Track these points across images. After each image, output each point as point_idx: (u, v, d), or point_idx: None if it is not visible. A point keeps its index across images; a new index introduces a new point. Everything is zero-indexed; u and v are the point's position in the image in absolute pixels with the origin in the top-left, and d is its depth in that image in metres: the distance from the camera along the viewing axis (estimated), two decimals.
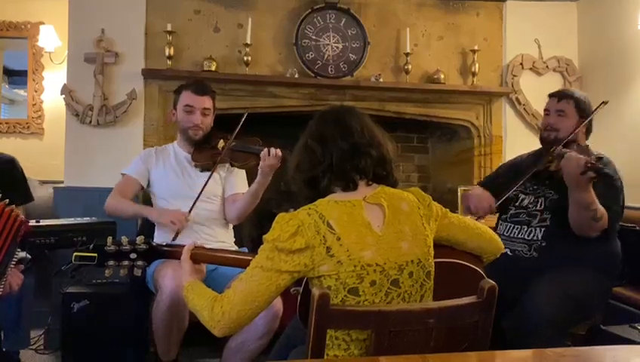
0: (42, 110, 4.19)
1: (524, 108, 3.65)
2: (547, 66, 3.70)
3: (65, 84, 3.17)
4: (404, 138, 4.10)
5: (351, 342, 1.29)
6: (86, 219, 2.63)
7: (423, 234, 1.36)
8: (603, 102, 2.24)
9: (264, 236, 1.31)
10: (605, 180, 2.09)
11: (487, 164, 3.62)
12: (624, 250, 2.26)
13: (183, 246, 1.60)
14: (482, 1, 3.64)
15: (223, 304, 1.30)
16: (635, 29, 3.26)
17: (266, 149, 2.23)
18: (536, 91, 3.67)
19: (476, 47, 3.52)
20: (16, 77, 4.32)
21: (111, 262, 1.64)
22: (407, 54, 3.43)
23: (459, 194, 3.28)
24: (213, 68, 3.21)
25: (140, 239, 1.67)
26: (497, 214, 2.40)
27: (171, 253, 1.70)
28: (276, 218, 1.31)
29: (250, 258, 1.37)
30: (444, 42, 3.60)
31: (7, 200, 1.86)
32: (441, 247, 1.47)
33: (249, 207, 2.38)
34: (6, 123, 4.18)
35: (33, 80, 4.18)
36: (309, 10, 3.36)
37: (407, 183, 4.02)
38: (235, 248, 2.41)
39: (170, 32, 3.15)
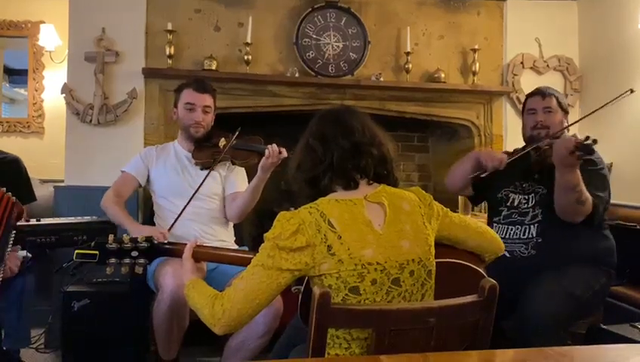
0: (43, 109, 4.19)
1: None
2: (548, 65, 3.70)
3: (65, 83, 3.17)
4: (404, 137, 4.10)
5: (352, 340, 1.29)
6: (86, 218, 2.63)
7: (424, 233, 1.36)
8: (630, 90, 2.24)
9: (265, 234, 1.31)
10: (591, 167, 2.13)
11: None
12: (625, 249, 2.27)
13: (185, 244, 1.61)
14: (483, 0, 3.63)
15: (223, 302, 1.30)
16: (636, 28, 3.26)
17: (274, 146, 2.23)
18: None
19: (477, 46, 3.52)
20: (17, 76, 4.32)
21: (112, 260, 1.64)
22: (407, 53, 3.43)
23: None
24: (213, 67, 3.21)
25: (141, 237, 1.67)
26: (489, 215, 2.41)
27: (173, 251, 1.70)
28: (277, 216, 1.31)
29: (250, 256, 1.38)
30: (445, 41, 3.60)
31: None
32: (443, 247, 1.47)
33: (250, 205, 2.38)
34: (6, 122, 4.18)
35: (33, 79, 4.19)
36: (310, 9, 3.36)
37: (408, 182, 4.02)
38: (236, 247, 2.41)
39: (170, 31, 3.15)
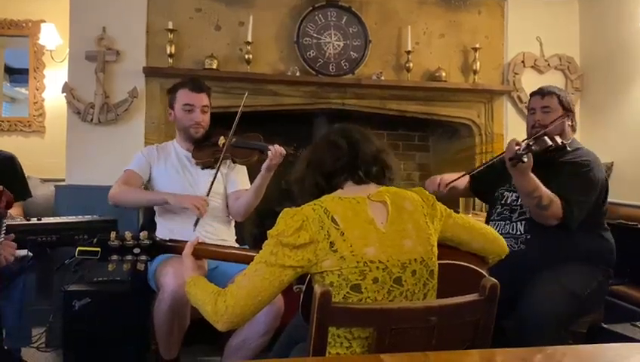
0: (43, 108, 4.19)
1: (526, 107, 3.63)
2: (549, 64, 3.70)
3: (66, 82, 3.16)
4: (405, 136, 4.09)
5: (353, 339, 1.29)
6: (87, 217, 2.63)
7: (427, 233, 1.36)
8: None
9: (268, 231, 1.32)
10: (571, 168, 2.13)
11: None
12: (625, 248, 2.26)
13: (186, 242, 1.61)
14: None
15: (226, 298, 1.30)
16: (637, 27, 3.26)
17: (276, 146, 2.23)
18: None
19: (478, 45, 3.52)
20: (18, 75, 4.33)
21: (114, 257, 1.64)
22: (408, 52, 3.42)
23: None
24: (214, 66, 3.21)
25: (143, 234, 1.67)
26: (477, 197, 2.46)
27: (174, 248, 1.70)
28: (281, 213, 1.32)
29: (252, 254, 1.38)
30: (446, 40, 3.59)
31: None
32: (447, 248, 1.47)
33: (254, 203, 2.38)
34: (7, 121, 4.18)
35: (34, 78, 4.19)
36: (310, 8, 3.36)
37: (409, 181, 4.01)
38: (237, 246, 2.41)
39: (171, 30, 3.15)
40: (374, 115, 3.60)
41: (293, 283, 1.37)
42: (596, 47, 3.64)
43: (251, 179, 2.44)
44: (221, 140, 2.40)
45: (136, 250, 1.65)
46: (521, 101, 3.64)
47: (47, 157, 3.86)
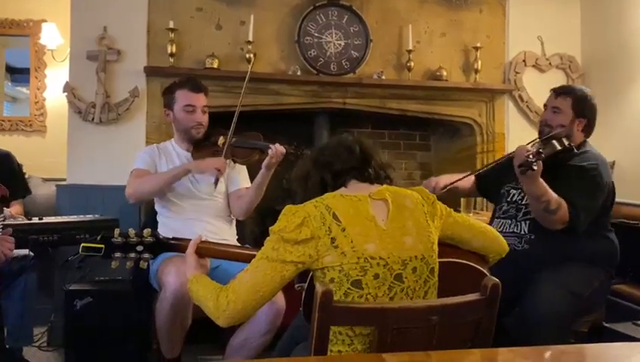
0: (45, 108, 4.20)
1: (527, 106, 3.64)
2: (550, 63, 3.69)
3: (67, 82, 3.17)
4: (406, 135, 4.09)
5: (354, 337, 1.30)
6: (89, 217, 2.63)
7: (427, 231, 1.37)
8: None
9: (270, 227, 1.33)
10: (578, 172, 2.11)
11: (489, 161, 3.61)
12: (627, 247, 2.26)
13: (189, 240, 1.61)
14: None
15: (228, 294, 1.31)
16: (639, 26, 3.25)
17: (277, 145, 2.23)
18: (539, 88, 3.65)
19: (479, 44, 3.51)
20: (19, 74, 4.34)
21: (117, 254, 1.64)
22: (409, 51, 3.42)
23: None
24: (215, 65, 3.21)
25: (146, 232, 1.67)
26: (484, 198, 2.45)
27: (177, 246, 1.70)
28: (283, 210, 1.33)
29: (254, 253, 1.38)
30: (447, 39, 3.59)
31: None
32: (447, 247, 1.48)
33: (255, 201, 2.38)
34: (8, 120, 4.19)
35: (35, 77, 4.19)
36: (311, 8, 3.36)
37: (410, 181, 4.01)
38: (239, 245, 2.42)
39: (172, 30, 3.14)
40: (375, 114, 3.60)
41: (294, 281, 1.38)
42: (598, 46, 3.64)
43: (251, 177, 2.44)
44: (220, 140, 2.40)
45: (140, 248, 1.65)
46: (522, 100, 3.64)
47: (48, 157, 3.86)
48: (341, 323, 1.24)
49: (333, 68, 3.36)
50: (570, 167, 2.14)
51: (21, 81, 4.32)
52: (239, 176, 2.48)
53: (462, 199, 3.29)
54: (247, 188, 2.42)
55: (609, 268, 2.21)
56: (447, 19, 3.59)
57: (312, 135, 3.58)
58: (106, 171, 3.02)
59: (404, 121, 3.81)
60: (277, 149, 2.23)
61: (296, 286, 1.43)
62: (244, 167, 2.52)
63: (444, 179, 2.40)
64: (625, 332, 2.03)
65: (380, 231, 1.31)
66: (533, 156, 1.90)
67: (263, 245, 1.34)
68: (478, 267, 1.50)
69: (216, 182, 2.27)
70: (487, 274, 1.48)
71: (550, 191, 2.01)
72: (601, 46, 3.61)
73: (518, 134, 3.62)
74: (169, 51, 3.15)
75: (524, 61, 3.65)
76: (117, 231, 1.64)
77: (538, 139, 2.24)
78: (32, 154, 3.71)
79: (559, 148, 2.05)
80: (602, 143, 2.33)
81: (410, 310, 1.21)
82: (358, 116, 3.73)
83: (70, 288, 2.47)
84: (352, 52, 3.40)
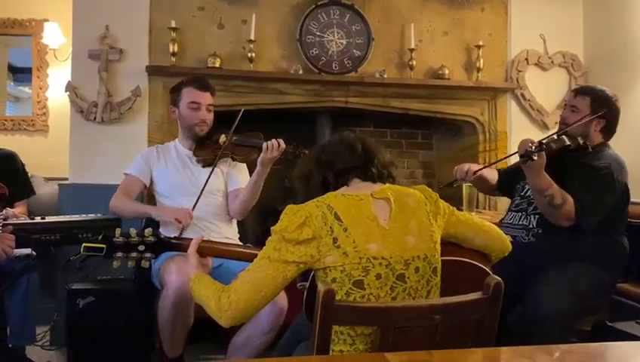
0: (47, 107, 4.20)
1: (530, 104, 3.63)
2: (552, 62, 3.68)
3: (69, 81, 3.17)
4: (408, 134, 4.09)
5: (356, 336, 1.29)
6: (91, 216, 2.63)
7: (430, 230, 1.37)
8: None
9: (272, 227, 1.33)
10: (588, 171, 2.11)
11: (492, 160, 3.60)
12: (632, 246, 2.25)
13: (191, 239, 1.61)
14: None
15: (230, 294, 1.31)
16: None
17: (272, 140, 2.23)
18: (541, 87, 3.66)
19: (481, 43, 3.51)
20: (21, 74, 4.34)
21: (119, 254, 1.64)
22: (411, 50, 3.42)
23: (464, 190, 3.27)
24: (217, 64, 3.21)
25: (148, 231, 1.67)
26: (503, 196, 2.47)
27: (179, 245, 1.71)
28: (285, 209, 1.33)
29: (256, 252, 1.38)
30: (449, 38, 3.58)
31: None
32: (450, 245, 1.48)
33: (251, 200, 2.37)
34: (11, 120, 4.19)
35: (38, 77, 4.20)
36: (313, 6, 3.35)
37: (412, 179, 4.00)
38: (240, 244, 2.41)
39: (174, 29, 3.15)
40: (377, 113, 3.60)
41: (296, 280, 1.38)
42: (600, 44, 3.63)
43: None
44: (222, 138, 2.40)
45: (141, 247, 1.65)
46: (524, 98, 3.63)
47: (50, 156, 3.86)
48: (343, 322, 1.24)
49: (335, 67, 3.36)
50: (581, 165, 2.13)
51: (23, 81, 4.32)
52: (239, 176, 2.47)
53: (464, 198, 3.29)
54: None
55: (615, 270, 2.20)
56: (449, 17, 3.58)
57: (314, 134, 3.58)
58: (108, 170, 3.03)
59: (407, 119, 3.80)
60: (272, 143, 2.22)
61: (298, 285, 1.43)
62: (244, 166, 2.51)
63: (474, 166, 2.42)
64: (628, 331, 2.02)
65: (382, 230, 1.31)
66: (535, 147, 1.91)
67: (264, 245, 1.34)
68: (481, 265, 1.50)
69: (180, 234, 2.17)
70: (490, 272, 1.48)
71: (555, 185, 2.02)
72: (603, 44, 3.60)
73: (520, 133, 3.61)
74: (171, 50, 3.15)
75: (526, 59, 3.64)
76: (118, 231, 1.64)
77: (556, 136, 2.24)
78: (35, 154, 3.71)
79: (568, 143, 2.05)
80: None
81: (413, 309, 1.21)
82: (360, 115, 3.73)
83: (72, 287, 2.47)
84: (354, 51, 3.39)
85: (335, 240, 1.27)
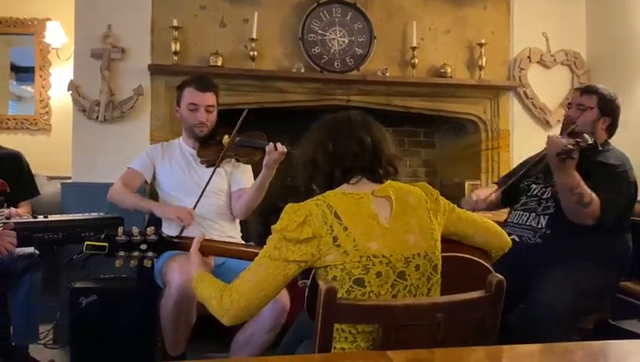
0: (49, 106, 4.21)
1: (532, 102, 3.63)
2: (555, 60, 3.67)
3: (71, 80, 3.17)
4: (410, 132, 4.08)
5: (357, 334, 1.30)
6: (94, 215, 2.64)
7: (430, 228, 1.37)
8: None
9: (272, 226, 1.33)
10: (604, 169, 2.11)
11: (494, 159, 3.60)
12: (634, 245, 2.24)
13: (193, 238, 1.61)
14: None
15: (232, 293, 1.31)
16: None
17: (271, 144, 2.23)
18: (543, 85, 3.65)
19: (483, 41, 3.50)
20: (24, 73, 4.34)
21: (121, 253, 1.65)
22: (413, 48, 3.41)
23: (466, 188, 3.27)
24: (219, 63, 3.21)
25: (150, 230, 1.68)
26: (507, 208, 2.42)
27: (181, 244, 1.71)
28: (285, 208, 1.33)
29: (257, 251, 1.38)
30: (451, 36, 3.58)
31: None
32: (450, 243, 1.47)
33: (255, 201, 2.38)
34: (14, 119, 4.20)
35: (40, 76, 4.20)
36: (315, 5, 3.35)
37: (414, 178, 4.00)
38: (243, 243, 2.42)
39: (176, 28, 3.15)
40: (380, 111, 3.59)
41: (298, 278, 1.38)
42: (603, 42, 3.61)
43: (256, 177, 2.44)
44: (225, 139, 2.40)
45: (143, 246, 1.66)
46: (527, 96, 3.62)
47: (53, 155, 3.87)
48: (345, 320, 1.24)
49: (337, 65, 3.36)
50: (596, 164, 2.12)
51: (26, 80, 4.33)
52: (242, 176, 2.48)
53: (465, 194, 3.29)
54: (249, 188, 2.42)
55: (620, 269, 2.19)
56: (452, 15, 3.57)
57: None
58: (110, 169, 3.01)
59: (409, 118, 3.79)
60: (273, 146, 2.21)
61: (300, 282, 1.43)
62: (249, 167, 2.51)
63: (480, 193, 2.40)
64: (631, 329, 2.02)
65: (382, 229, 1.31)
66: (573, 145, 1.90)
67: (266, 243, 1.34)
68: (483, 262, 1.50)
69: (180, 232, 2.16)
70: (492, 270, 1.48)
71: (583, 183, 2.00)
72: (606, 42, 3.58)
73: (522, 131, 3.61)
74: (173, 49, 3.15)
75: (528, 57, 3.63)
76: (120, 230, 1.64)
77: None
78: (37, 153, 3.71)
79: (590, 142, 2.03)
80: (612, 141, 2.31)
81: (415, 307, 1.21)
82: None
83: (75, 286, 2.48)
84: (356, 49, 3.39)
85: (335, 238, 1.27)
